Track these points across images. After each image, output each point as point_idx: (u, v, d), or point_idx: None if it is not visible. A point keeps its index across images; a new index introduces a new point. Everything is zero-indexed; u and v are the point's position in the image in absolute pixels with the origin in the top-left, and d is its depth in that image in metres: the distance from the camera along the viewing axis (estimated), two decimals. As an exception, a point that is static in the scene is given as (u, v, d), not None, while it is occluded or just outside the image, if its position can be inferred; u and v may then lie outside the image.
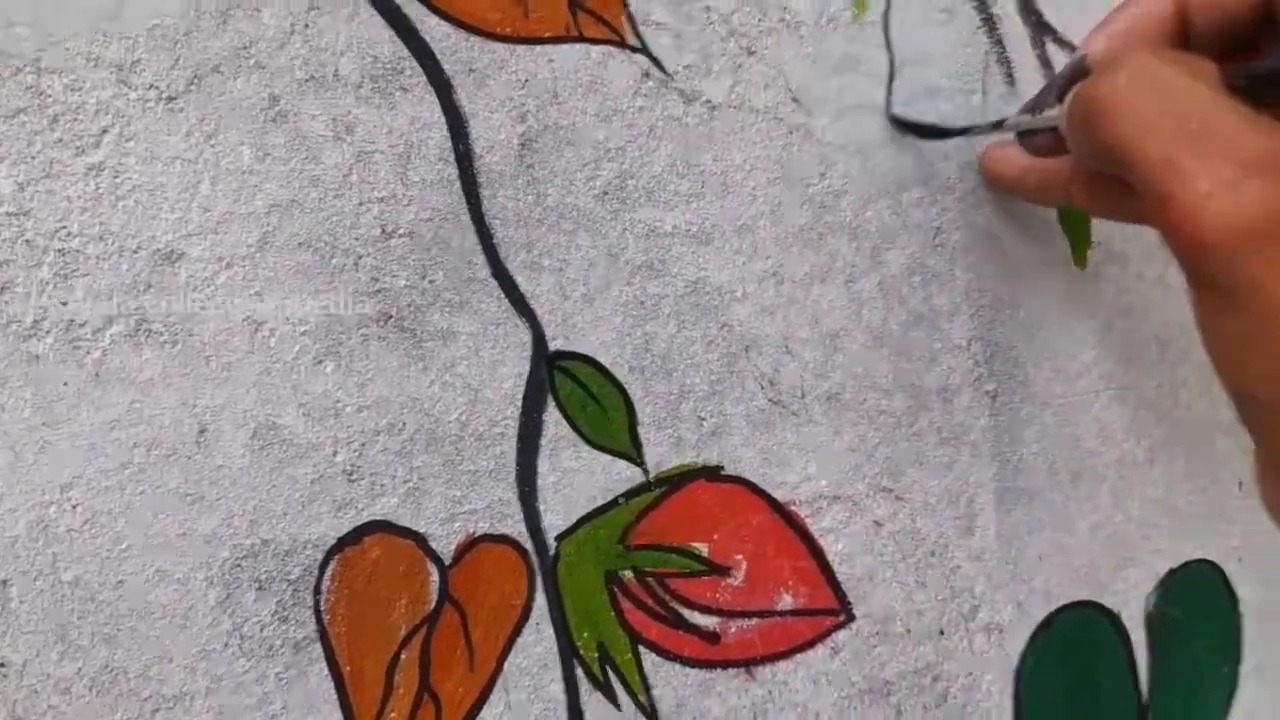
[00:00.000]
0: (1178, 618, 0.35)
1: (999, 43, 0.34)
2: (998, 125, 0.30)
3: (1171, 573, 0.35)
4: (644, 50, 0.29)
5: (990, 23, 0.34)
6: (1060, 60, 0.35)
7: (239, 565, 0.24)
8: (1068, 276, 0.34)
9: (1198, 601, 0.36)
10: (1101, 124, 0.22)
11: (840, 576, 0.30)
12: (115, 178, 0.24)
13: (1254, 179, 0.19)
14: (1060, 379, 0.34)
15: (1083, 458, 0.34)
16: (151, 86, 0.24)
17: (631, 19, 0.29)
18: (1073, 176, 0.28)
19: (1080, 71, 0.26)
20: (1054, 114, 0.26)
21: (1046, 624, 0.33)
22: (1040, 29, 0.35)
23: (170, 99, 0.24)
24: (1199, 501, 0.36)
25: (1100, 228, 0.35)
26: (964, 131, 0.31)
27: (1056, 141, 0.27)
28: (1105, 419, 0.34)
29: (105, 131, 0.24)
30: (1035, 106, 0.28)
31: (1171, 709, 0.35)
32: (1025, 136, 0.29)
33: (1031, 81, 0.34)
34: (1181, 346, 0.36)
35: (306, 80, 0.25)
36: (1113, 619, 0.34)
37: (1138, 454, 0.35)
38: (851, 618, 0.30)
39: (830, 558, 0.30)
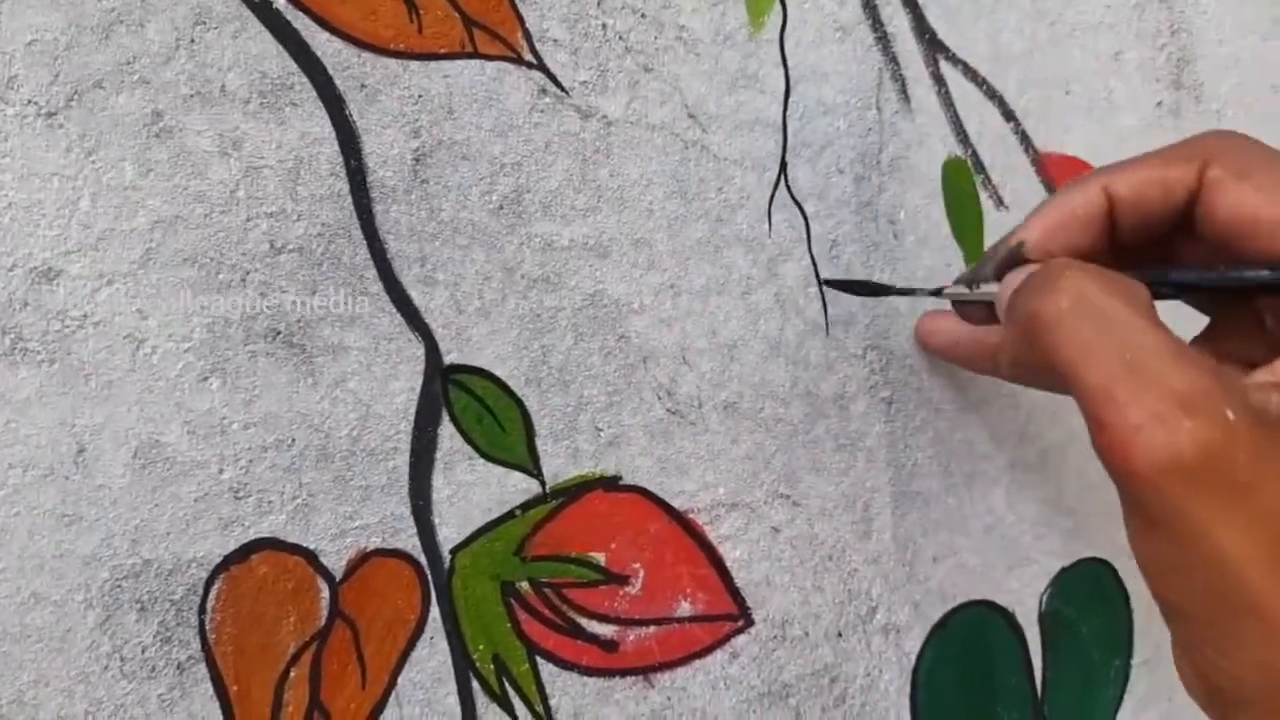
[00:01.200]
0: (1070, 614, 0.37)
1: (893, 60, 0.35)
2: (936, 292, 0.31)
3: (1064, 571, 0.37)
4: (540, 66, 0.29)
5: (884, 41, 0.35)
6: (953, 78, 0.36)
7: (119, 586, 0.24)
8: (962, 286, 0.35)
9: (1089, 598, 0.37)
10: (1043, 343, 0.23)
11: (739, 582, 0.31)
12: (-10, 195, 0.23)
13: (1184, 416, 0.20)
14: (953, 385, 0.35)
15: (976, 461, 0.35)
16: (30, 102, 0.24)
17: (528, 36, 0.29)
18: (1000, 349, 0.29)
19: (1016, 257, 0.27)
20: (990, 289, 0.28)
21: (942, 624, 0.34)
22: (933, 47, 0.36)
23: (49, 115, 0.24)
24: (1089, 501, 0.37)
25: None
26: (905, 292, 0.32)
27: (990, 314, 0.28)
28: (997, 423, 0.36)
29: (-20, 148, 0.23)
30: (972, 280, 0.29)
31: (1065, 703, 0.36)
32: (961, 306, 0.30)
33: (924, 99, 0.35)
34: (1072, 352, 0.37)
35: (192, 96, 0.25)
36: (1007, 617, 0.35)
37: (1029, 457, 0.36)
38: (750, 622, 0.31)
39: (728, 564, 0.31)
